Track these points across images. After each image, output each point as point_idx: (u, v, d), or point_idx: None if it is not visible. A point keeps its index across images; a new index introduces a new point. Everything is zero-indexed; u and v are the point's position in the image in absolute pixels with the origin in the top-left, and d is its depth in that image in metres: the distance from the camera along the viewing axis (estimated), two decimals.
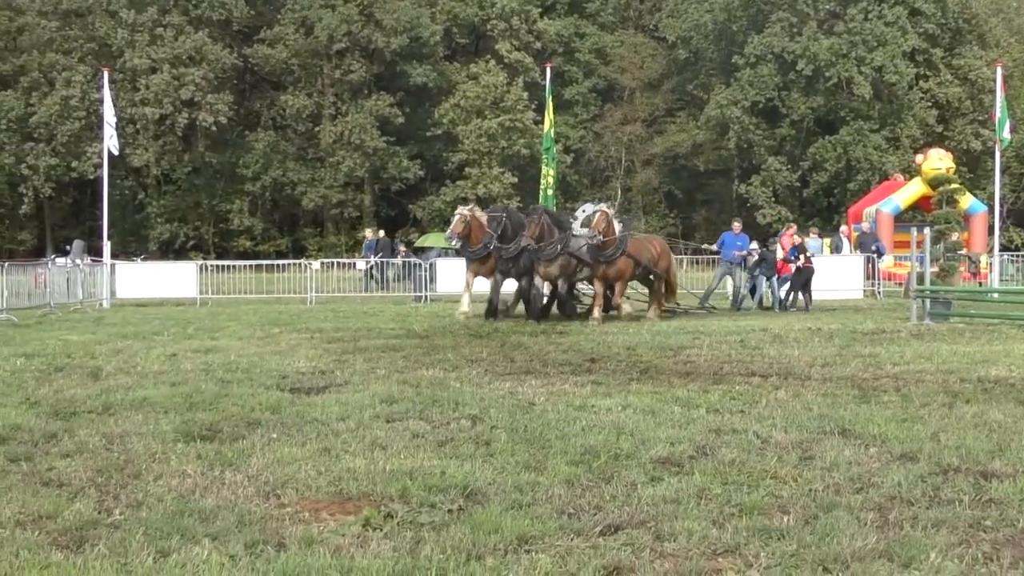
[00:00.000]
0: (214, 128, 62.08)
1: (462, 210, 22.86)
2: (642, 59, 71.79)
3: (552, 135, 34.08)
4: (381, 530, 5.87)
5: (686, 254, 36.91)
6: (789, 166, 64.59)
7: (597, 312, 21.34)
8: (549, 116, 33.59)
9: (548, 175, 32.65)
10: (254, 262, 37.95)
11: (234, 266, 34.54)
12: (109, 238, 33.90)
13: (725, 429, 8.70)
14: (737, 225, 27.72)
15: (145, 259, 45.35)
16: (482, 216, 22.49)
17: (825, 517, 6.01)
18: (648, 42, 73.33)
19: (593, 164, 70.34)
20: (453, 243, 23.22)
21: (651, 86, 71.93)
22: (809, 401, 10.28)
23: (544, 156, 33.59)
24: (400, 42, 63.64)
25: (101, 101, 34.95)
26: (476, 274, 22.78)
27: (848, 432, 8.54)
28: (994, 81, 38.48)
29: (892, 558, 5.28)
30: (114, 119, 33.67)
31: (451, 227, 22.53)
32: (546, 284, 22.39)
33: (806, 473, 7.11)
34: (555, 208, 31.92)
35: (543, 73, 37.78)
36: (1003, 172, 44.75)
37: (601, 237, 20.94)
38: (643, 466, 7.32)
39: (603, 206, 22.03)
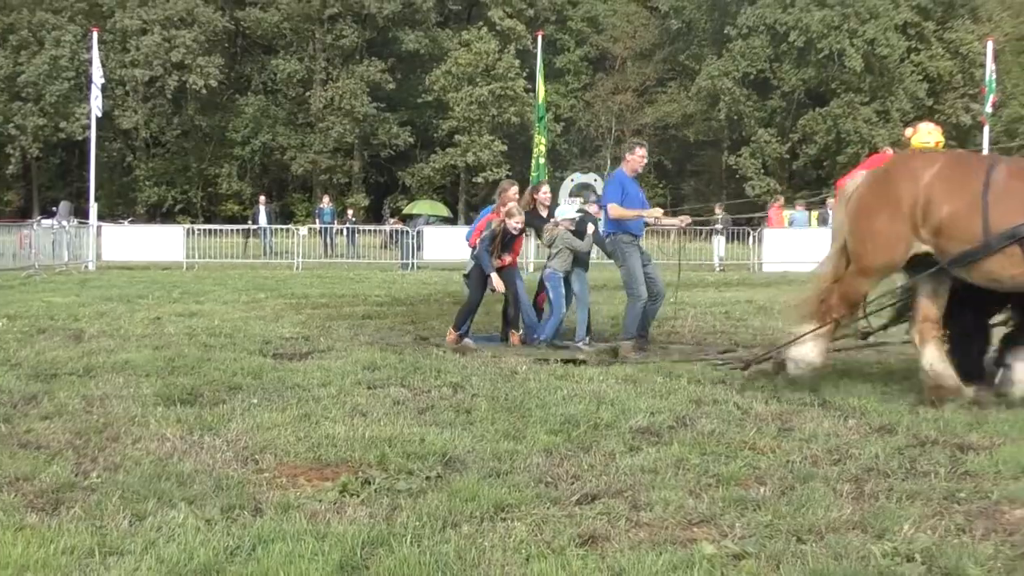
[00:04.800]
0: (204, 91, 61.78)
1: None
2: (634, 28, 71.53)
3: (543, 104, 34.05)
4: (358, 496, 5.87)
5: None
6: (779, 138, 64.50)
7: None
8: (542, 85, 33.54)
9: (540, 143, 32.67)
10: (242, 227, 37.91)
11: (221, 230, 34.48)
12: (96, 200, 33.76)
13: (706, 400, 8.72)
14: None
15: (132, 222, 45.21)
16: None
17: (801, 488, 6.02)
18: (641, 11, 72.98)
19: (583, 133, 70.15)
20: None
21: (643, 56, 71.68)
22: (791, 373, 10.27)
23: (537, 125, 33.60)
24: (393, 8, 63.33)
25: (90, 62, 34.71)
26: None
27: (828, 404, 8.57)
28: (985, 55, 38.44)
29: (866, 529, 5.30)
30: (102, 80, 33.47)
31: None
32: None
33: (784, 444, 7.13)
34: (545, 177, 31.97)
35: (535, 41, 37.70)
36: (992, 146, 44.72)
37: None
38: (622, 436, 7.34)
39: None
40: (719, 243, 34.12)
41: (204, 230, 34.14)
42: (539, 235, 14.15)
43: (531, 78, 46.50)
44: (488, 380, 9.61)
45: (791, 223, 36.51)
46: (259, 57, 67.82)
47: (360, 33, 64.95)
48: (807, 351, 9.39)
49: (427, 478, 6.22)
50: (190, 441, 7.08)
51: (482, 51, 63.70)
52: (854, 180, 9.70)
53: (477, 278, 12.92)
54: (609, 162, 67.41)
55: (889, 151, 44.44)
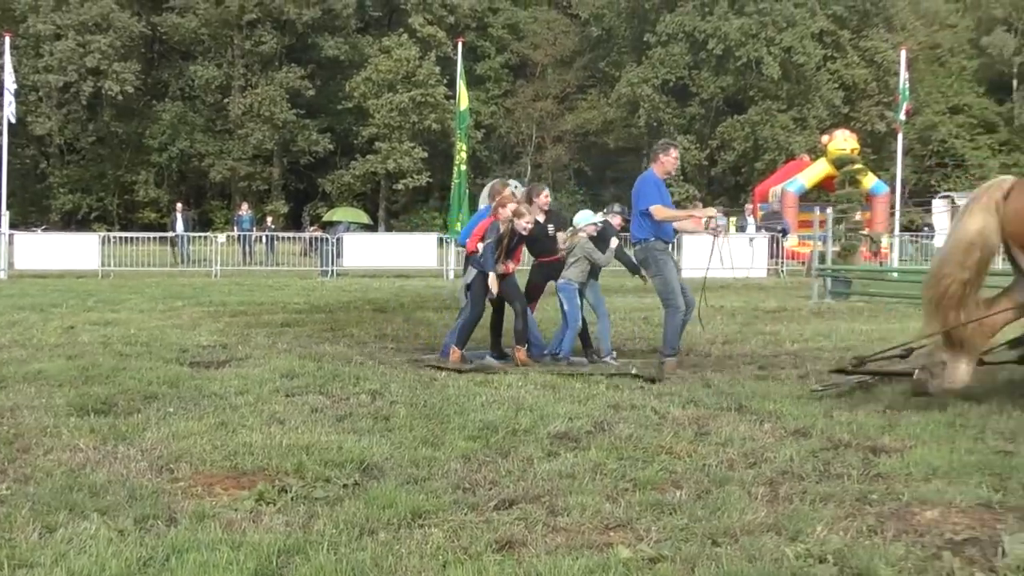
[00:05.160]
0: (120, 97, 60.90)
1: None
2: (555, 35, 71.83)
3: (466, 111, 34.07)
4: (274, 505, 5.82)
5: None
6: (698, 145, 65.08)
7: None
8: (463, 92, 33.54)
9: (461, 150, 32.73)
10: (159, 234, 37.45)
11: (138, 238, 34.05)
12: (8, 208, 33.17)
13: (624, 405, 8.77)
14: None
15: (46, 230, 44.42)
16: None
17: (717, 492, 6.07)
18: (561, 18, 73.35)
19: (504, 140, 70.33)
20: None
21: (563, 63, 72.01)
22: (708, 378, 10.40)
23: (458, 132, 33.63)
24: (312, 14, 63.03)
25: (2, 67, 34.09)
26: None
27: (744, 408, 8.66)
28: (899, 63, 39.15)
29: (780, 531, 5.35)
30: (14, 86, 32.92)
31: None
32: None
33: (701, 448, 7.19)
34: (466, 184, 32.08)
35: (455, 48, 37.69)
36: (905, 154, 45.67)
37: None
38: (540, 441, 7.36)
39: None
40: None
41: (120, 238, 33.63)
42: (528, 246, 12.50)
43: (452, 85, 46.54)
44: (407, 387, 9.58)
45: None
46: (177, 63, 67.07)
47: (279, 39, 64.52)
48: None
49: (344, 486, 6.19)
50: (103, 451, 6.98)
51: (402, 58, 63.59)
52: (1000, 184, 9.09)
53: (479, 289, 11.76)
54: (529, 169, 67.66)
55: (806, 158, 45.52)
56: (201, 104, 65.14)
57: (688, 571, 4.81)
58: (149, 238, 34.80)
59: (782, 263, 32.61)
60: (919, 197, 64.53)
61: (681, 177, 64.41)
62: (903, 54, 38.88)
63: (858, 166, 33.06)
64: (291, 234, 40.03)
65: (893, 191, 38.76)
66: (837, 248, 24.85)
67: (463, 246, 12.76)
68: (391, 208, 67.18)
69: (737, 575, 4.72)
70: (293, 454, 6.82)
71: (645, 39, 65.51)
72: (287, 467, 6.53)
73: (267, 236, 37.28)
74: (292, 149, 64.68)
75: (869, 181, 38.57)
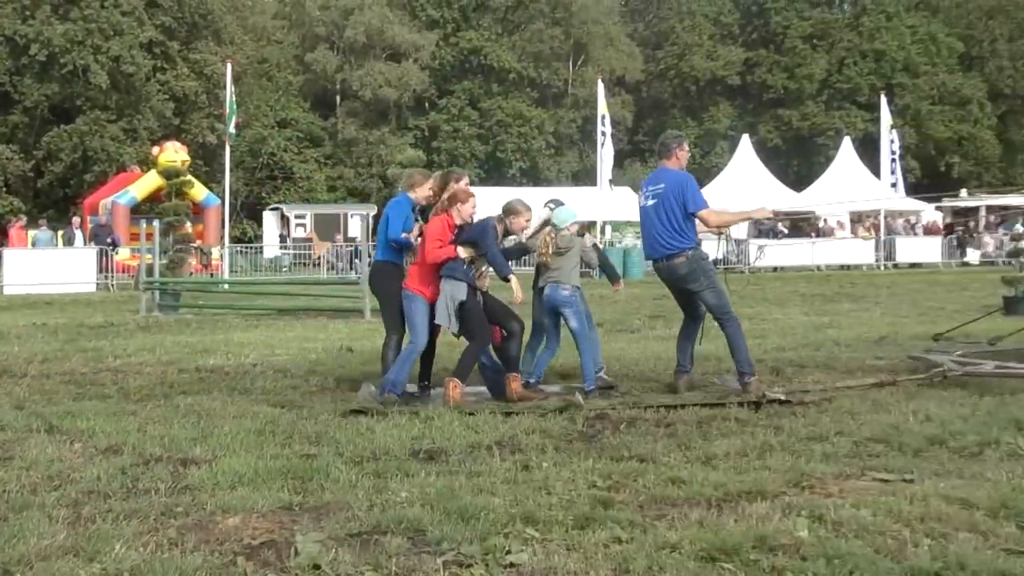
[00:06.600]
0: None
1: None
2: None
3: None
4: None
5: None
6: (22, 155, 62.31)
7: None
8: None
9: None
10: None
11: None
12: None
13: None
14: None
15: None
16: None
17: (16, 518, 5.83)
18: None
19: None
20: None
21: None
22: (22, 399, 10.02)
23: None
24: None
25: None
26: None
27: (55, 429, 8.41)
28: (227, 77, 39.93)
29: (79, 553, 5.22)
30: None
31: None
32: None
33: (3, 474, 6.88)
34: None
35: None
36: (237, 166, 46.70)
37: None
38: None
39: None
40: None
41: None
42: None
43: None
44: None
45: (35, 243, 35.51)
46: None
47: None
48: None
49: None
50: None
51: None
52: None
53: (476, 307, 9.65)
54: None
55: (136, 169, 45.34)
56: None
57: None
58: None
59: (112, 276, 32.06)
60: (250, 209, 66.31)
61: (4, 189, 61.46)
62: (229, 68, 39.74)
63: (186, 178, 33.32)
64: None
65: (224, 203, 39.40)
66: (166, 261, 24.86)
67: (404, 245, 10.17)
68: None
69: None
70: None
71: None
72: None
73: None
74: None
75: (200, 193, 39.05)
